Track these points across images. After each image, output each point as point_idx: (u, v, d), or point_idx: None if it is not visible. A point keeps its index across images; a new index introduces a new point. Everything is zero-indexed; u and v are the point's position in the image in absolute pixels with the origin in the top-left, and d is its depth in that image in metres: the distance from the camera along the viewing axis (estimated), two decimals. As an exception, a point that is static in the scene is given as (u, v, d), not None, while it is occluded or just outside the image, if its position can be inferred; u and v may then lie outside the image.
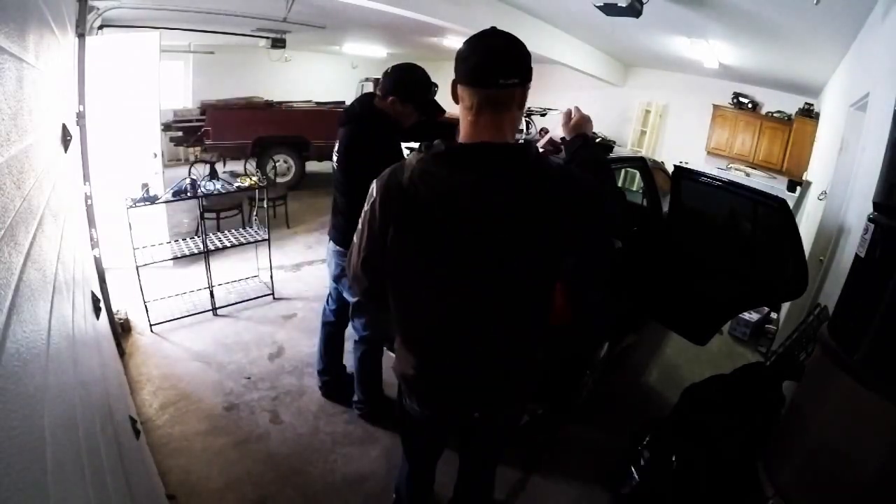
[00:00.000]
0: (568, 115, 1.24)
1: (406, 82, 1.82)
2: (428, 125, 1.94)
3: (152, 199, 2.83)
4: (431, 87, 1.87)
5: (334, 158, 1.91)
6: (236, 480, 1.89)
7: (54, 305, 0.82)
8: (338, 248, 1.99)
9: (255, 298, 3.37)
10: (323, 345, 2.34)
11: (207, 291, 3.13)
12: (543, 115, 6.86)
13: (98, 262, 2.40)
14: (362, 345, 2.12)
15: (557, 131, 1.26)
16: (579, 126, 1.21)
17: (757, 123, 6.24)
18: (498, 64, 0.92)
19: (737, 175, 6.12)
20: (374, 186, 1.02)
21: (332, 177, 1.97)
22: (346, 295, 2.08)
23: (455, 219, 0.94)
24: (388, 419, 2.18)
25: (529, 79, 0.96)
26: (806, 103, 5.52)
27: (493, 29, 0.95)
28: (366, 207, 1.03)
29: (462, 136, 0.98)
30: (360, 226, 1.06)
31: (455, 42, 5.82)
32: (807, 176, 4.78)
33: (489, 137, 0.95)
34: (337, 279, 2.09)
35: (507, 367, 1.09)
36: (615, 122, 7.57)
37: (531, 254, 0.96)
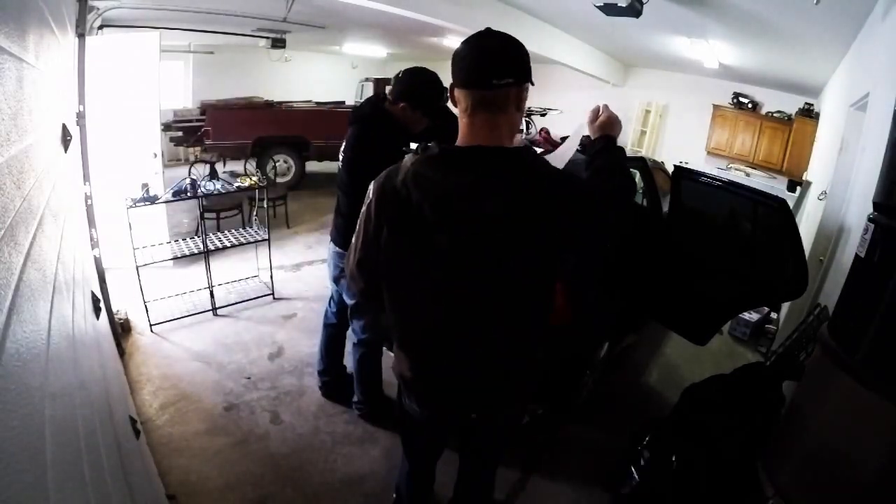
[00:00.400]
0: (595, 112, 1.16)
1: (417, 88, 1.78)
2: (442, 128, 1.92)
3: (152, 199, 2.83)
4: (443, 94, 1.82)
5: (340, 157, 1.91)
6: (236, 480, 1.89)
7: (54, 305, 0.82)
8: (337, 249, 1.99)
9: (255, 298, 3.37)
10: (324, 346, 2.34)
11: (207, 291, 3.13)
12: (543, 115, 6.85)
13: (98, 262, 2.40)
14: (362, 347, 2.12)
15: (584, 129, 1.18)
16: (605, 126, 1.13)
17: (757, 123, 6.24)
18: (491, 64, 0.91)
19: (737, 175, 6.11)
20: (371, 188, 1.02)
21: (337, 176, 1.96)
22: (344, 297, 2.08)
23: (450, 221, 0.93)
24: (388, 419, 2.18)
25: (527, 78, 0.95)
26: (806, 103, 5.51)
27: (488, 30, 0.94)
28: (363, 208, 1.04)
29: (459, 138, 0.98)
30: (358, 226, 1.06)
31: (455, 42, 5.80)
32: (807, 176, 4.78)
33: (485, 140, 0.94)
34: (336, 280, 2.09)
35: (506, 367, 1.09)
36: (615, 122, 7.57)
37: (528, 253, 0.95)
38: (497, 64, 0.91)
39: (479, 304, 0.99)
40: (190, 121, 6.28)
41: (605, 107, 1.16)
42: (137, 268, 2.80)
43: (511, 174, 0.93)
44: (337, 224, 2.00)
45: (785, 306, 3.33)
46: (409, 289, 1.05)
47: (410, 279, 1.03)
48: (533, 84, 0.97)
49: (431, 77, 1.81)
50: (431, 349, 1.08)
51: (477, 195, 0.91)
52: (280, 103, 6.75)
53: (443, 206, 0.93)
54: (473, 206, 0.91)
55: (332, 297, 2.27)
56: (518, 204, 0.91)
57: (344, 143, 1.88)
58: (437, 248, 0.95)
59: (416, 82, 1.79)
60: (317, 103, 7.24)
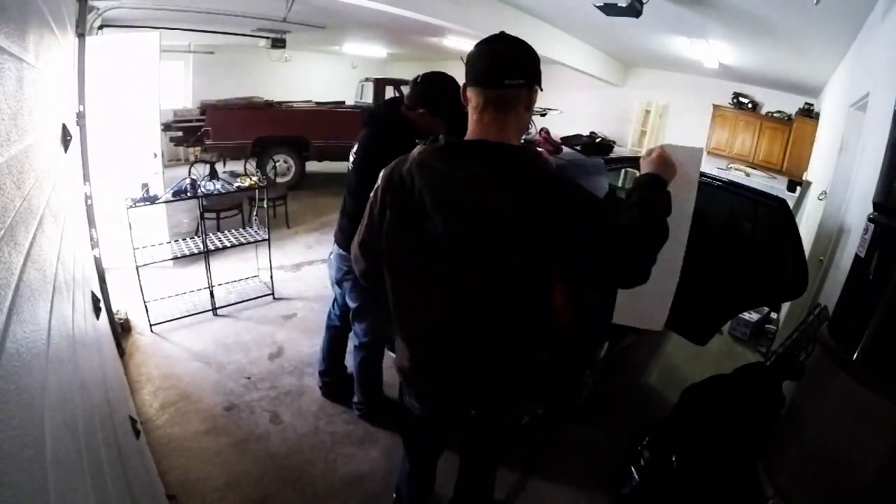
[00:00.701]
0: (651, 150, 1.16)
1: (437, 94, 1.74)
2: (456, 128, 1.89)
3: (152, 199, 2.83)
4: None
5: (350, 158, 1.90)
6: (236, 480, 1.89)
7: (54, 305, 0.82)
8: (341, 251, 1.97)
9: (255, 298, 3.36)
10: (326, 347, 2.34)
11: (207, 291, 3.13)
12: (543, 115, 6.85)
13: (98, 262, 2.40)
14: (364, 349, 2.11)
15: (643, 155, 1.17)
16: (655, 165, 1.10)
17: (757, 123, 6.23)
18: (503, 65, 0.95)
19: (737, 175, 6.11)
20: (381, 175, 1.07)
21: (346, 177, 1.95)
22: (347, 299, 2.06)
23: (457, 213, 0.95)
24: (388, 419, 2.19)
25: (537, 81, 0.98)
26: (806, 103, 5.51)
27: (503, 33, 0.98)
28: (371, 194, 1.08)
29: (468, 134, 1.01)
30: (365, 211, 1.11)
31: (455, 42, 5.81)
32: (807, 176, 4.78)
33: (493, 136, 0.97)
34: (339, 283, 2.07)
35: (514, 366, 1.10)
36: (615, 122, 7.56)
37: (531, 251, 0.96)
38: (509, 65, 0.95)
39: (487, 301, 1.00)
40: (190, 121, 6.28)
41: (662, 149, 1.15)
42: (137, 268, 2.80)
43: (516, 170, 0.95)
44: (342, 225, 1.98)
45: (785, 306, 3.33)
46: (414, 282, 1.06)
47: (413, 273, 1.05)
48: (542, 90, 1.00)
49: (451, 84, 1.73)
50: (437, 344, 1.09)
51: (485, 189, 0.93)
52: (280, 103, 6.75)
53: (445, 197, 0.95)
54: (481, 199, 0.93)
55: (335, 300, 2.26)
56: (522, 200, 0.92)
57: (356, 145, 1.87)
58: (442, 241, 0.97)
59: (437, 89, 1.73)
60: (317, 103, 7.24)
